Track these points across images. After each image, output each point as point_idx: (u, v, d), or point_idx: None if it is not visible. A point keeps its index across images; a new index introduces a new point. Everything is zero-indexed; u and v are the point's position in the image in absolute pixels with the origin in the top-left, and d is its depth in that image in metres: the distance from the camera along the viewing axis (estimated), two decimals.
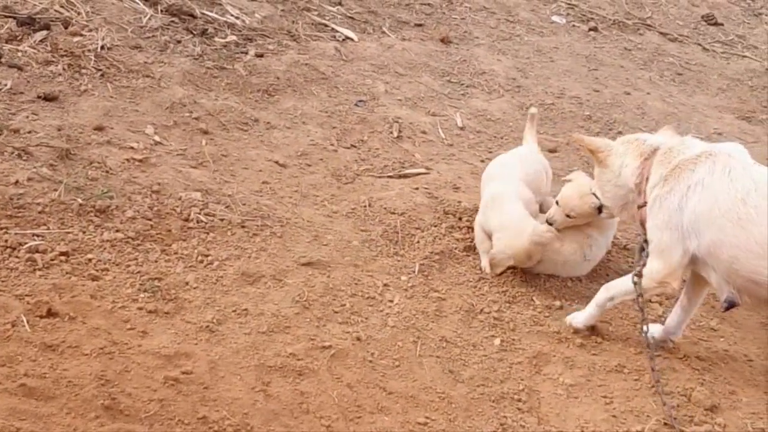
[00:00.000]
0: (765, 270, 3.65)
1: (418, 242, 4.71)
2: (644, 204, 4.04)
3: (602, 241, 4.69)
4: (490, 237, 4.57)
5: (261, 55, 6.44)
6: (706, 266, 3.86)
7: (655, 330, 4.16)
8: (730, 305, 3.84)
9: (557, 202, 4.59)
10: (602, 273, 4.73)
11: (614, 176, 4.15)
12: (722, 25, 9.22)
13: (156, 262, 4.14)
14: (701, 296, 4.19)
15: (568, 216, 4.53)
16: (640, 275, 4.00)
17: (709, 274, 3.88)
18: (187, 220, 4.46)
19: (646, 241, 4.07)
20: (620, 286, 4.09)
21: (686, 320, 4.21)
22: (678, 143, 4.03)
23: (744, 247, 3.67)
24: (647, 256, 4.01)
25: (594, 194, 4.40)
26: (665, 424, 3.72)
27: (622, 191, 4.16)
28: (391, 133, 5.86)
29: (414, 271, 4.47)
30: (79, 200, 4.35)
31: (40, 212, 4.22)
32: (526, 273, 4.58)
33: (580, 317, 4.19)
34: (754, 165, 3.88)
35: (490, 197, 4.68)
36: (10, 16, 5.88)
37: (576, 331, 4.18)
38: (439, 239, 4.75)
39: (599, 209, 4.42)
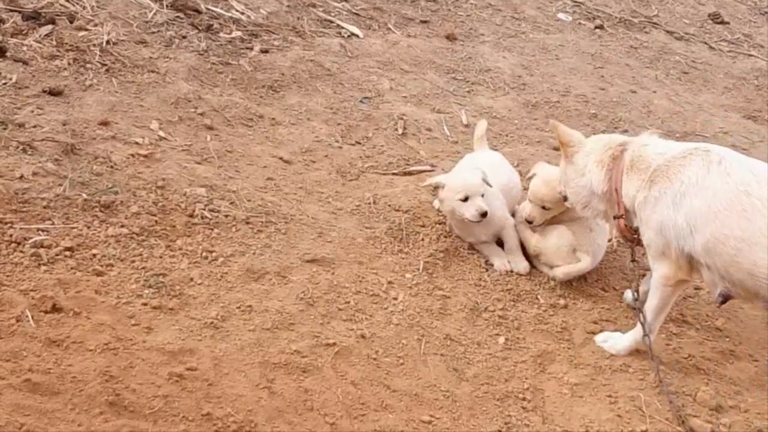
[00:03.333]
0: (765, 261, 3.58)
1: (423, 240, 4.70)
2: (621, 215, 4.04)
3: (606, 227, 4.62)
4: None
5: (266, 51, 6.43)
6: (700, 266, 3.80)
7: None
8: (726, 299, 3.80)
9: (529, 200, 4.59)
10: (606, 272, 4.72)
11: (578, 175, 4.18)
12: (728, 23, 9.20)
13: (161, 257, 4.13)
14: None
15: (543, 208, 4.53)
16: (638, 289, 4.08)
17: (702, 272, 3.82)
18: (191, 215, 4.45)
19: (633, 252, 4.11)
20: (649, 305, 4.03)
21: None
22: (649, 145, 3.99)
23: (749, 240, 3.59)
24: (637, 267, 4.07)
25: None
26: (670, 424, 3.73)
27: (584, 192, 4.18)
28: (396, 130, 5.85)
29: (418, 269, 4.46)
30: (84, 195, 4.34)
31: (44, 207, 4.21)
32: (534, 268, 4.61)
33: (622, 344, 4.11)
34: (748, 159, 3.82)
35: None
36: (15, 11, 5.88)
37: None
38: (444, 237, 4.74)
39: (566, 197, 4.36)
